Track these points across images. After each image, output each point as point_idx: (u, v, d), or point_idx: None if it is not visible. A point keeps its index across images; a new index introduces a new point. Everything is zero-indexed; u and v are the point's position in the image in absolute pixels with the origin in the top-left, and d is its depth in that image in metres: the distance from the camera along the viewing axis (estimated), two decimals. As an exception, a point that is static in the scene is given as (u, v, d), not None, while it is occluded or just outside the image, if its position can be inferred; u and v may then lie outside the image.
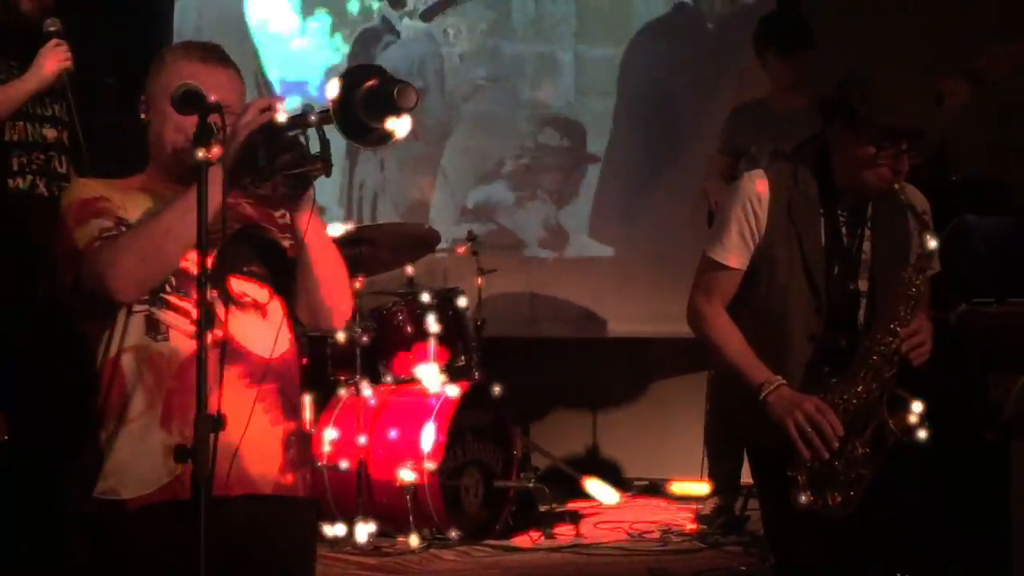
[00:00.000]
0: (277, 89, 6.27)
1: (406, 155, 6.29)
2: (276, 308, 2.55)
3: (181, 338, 2.44)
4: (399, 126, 2.22)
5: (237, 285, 2.50)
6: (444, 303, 5.08)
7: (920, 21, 5.41)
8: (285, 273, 2.54)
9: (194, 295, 2.42)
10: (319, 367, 5.09)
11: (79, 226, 2.42)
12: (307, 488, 2.60)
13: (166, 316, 2.44)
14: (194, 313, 2.41)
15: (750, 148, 5.02)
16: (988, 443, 3.25)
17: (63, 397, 3.52)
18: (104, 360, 2.47)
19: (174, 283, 2.44)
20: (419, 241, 5.18)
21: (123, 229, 2.42)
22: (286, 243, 2.58)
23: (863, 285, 3.08)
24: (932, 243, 2.98)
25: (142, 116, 2.58)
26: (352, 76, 2.23)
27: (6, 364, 3.78)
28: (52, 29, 3.83)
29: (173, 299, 2.45)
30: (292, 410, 2.56)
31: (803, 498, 2.93)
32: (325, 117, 2.24)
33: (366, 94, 2.21)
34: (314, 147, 2.31)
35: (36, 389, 3.72)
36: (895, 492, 2.99)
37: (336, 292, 2.56)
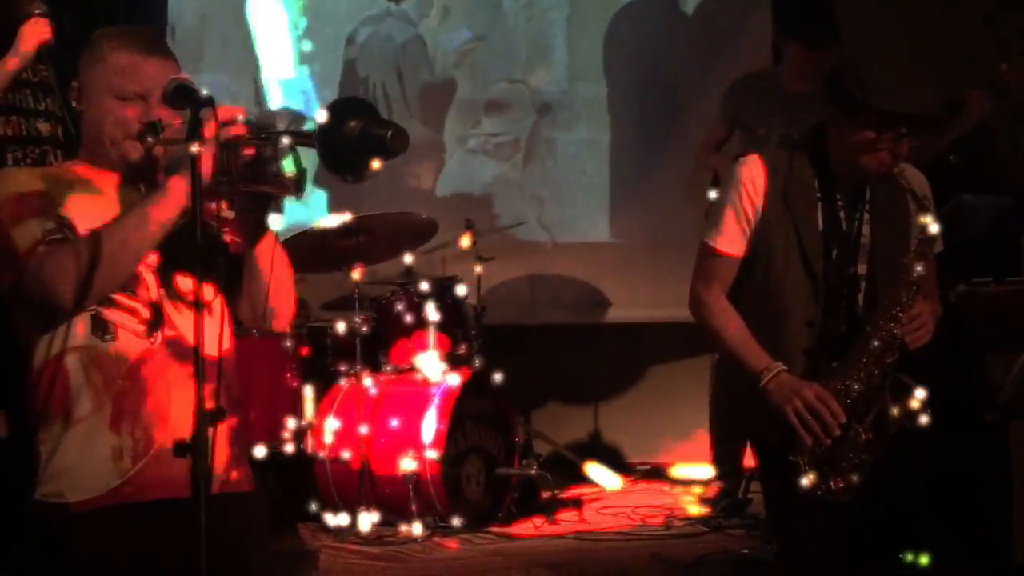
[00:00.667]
0: (273, 88, 6.24)
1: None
2: (218, 305, 2.51)
3: (130, 338, 2.40)
4: (376, 165, 2.24)
5: (182, 282, 2.47)
6: (443, 291, 5.08)
7: (945, 31, 5.39)
8: (226, 268, 2.48)
9: (141, 294, 2.41)
10: (319, 358, 5.09)
11: (16, 224, 2.34)
12: (251, 481, 2.57)
13: (113, 315, 2.40)
14: (143, 312, 2.41)
15: (758, 129, 4.98)
16: (987, 424, 3.25)
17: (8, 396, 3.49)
18: (45, 360, 2.40)
19: None
20: (417, 230, 5.17)
21: (66, 231, 2.36)
22: (227, 238, 2.51)
23: (862, 269, 3.07)
24: (933, 228, 2.97)
25: (74, 104, 2.53)
26: (342, 108, 2.23)
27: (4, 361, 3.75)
28: (37, 12, 3.81)
29: (121, 298, 2.40)
30: (234, 406, 2.53)
31: (805, 483, 2.94)
32: (302, 140, 2.23)
33: (355, 132, 2.21)
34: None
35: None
36: (896, 475, 2.99)
37: (281, 295, 2.53)
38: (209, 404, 2.11)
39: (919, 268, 2.96)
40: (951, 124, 4.51)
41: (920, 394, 2.91)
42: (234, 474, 2.51)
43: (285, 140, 2.26)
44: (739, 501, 4.90)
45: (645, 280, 5.93)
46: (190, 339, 2.34)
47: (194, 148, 2.18)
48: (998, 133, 4.83)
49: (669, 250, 5.88)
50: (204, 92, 2.25)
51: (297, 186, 2.29)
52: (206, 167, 2.22)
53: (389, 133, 2.20)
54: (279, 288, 2.51)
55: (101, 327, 2.39)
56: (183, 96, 2.27)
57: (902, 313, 2.95)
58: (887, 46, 3.20)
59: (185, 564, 2.20)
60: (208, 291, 2.43)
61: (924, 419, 2.91)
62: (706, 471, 5.24)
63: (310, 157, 2.28)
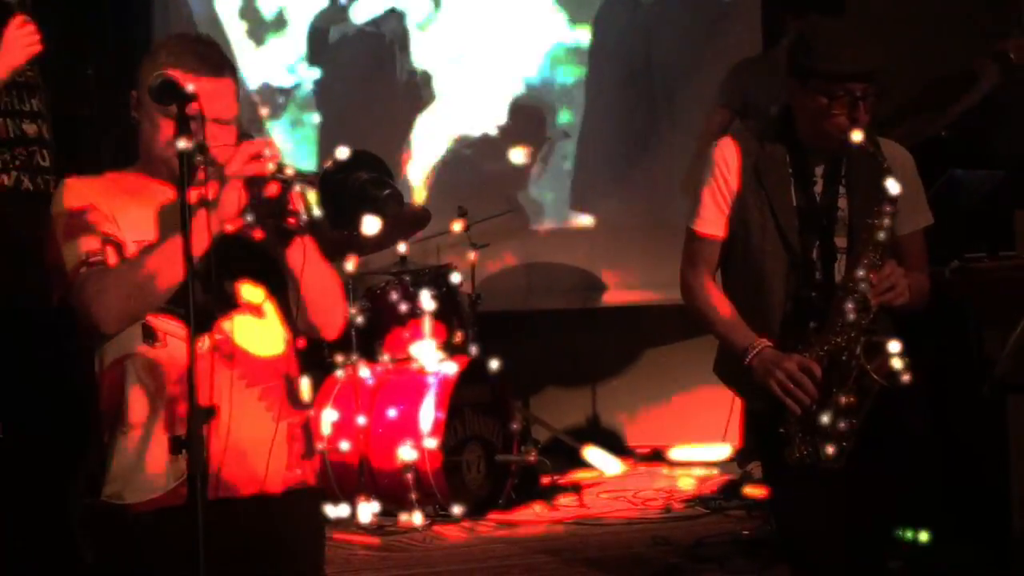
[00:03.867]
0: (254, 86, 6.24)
1: (392, 134, 6.26)
2: (271, 307, 2.57)
3: (178, 344, 2.45)
4: (371, 224, 2.31)
5: (227, 287, 2.52)
6: (438, 280, 5.07)
7: (952, 2, 5.38)
8: (278, 272, 2.54)
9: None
10: (315, 349, 5.01)
11: (66, 241, 2.44)
12: (315, 476, 2.65)
13: (161, 323, 2.46)
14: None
15: (769, 108, 4.95)
16: (984, 399, 3.25)
17: (60, 398, 3.52)
18: (103, 365, 2.49)
19: None
20: (411, 219, 5.16)
21: (109, 251, 2.43)
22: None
23: (841, 243, 3.09)
24: (894, 188, 2.98)
25: (133, 114, 2.56)
26: (354, 159, 2.30)
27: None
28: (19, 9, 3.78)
29: (168, 305, 2.44)
30: (295, 403, 2.60)
31: (796, 453, 2.95)
32: (310, 182, 2.30)
33: (358, 184, 2.28)
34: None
35: (29, 388, 3.70)
36: (893, 451, 2.99)
37: (326, 310, 2.60)
38: (203, 401, 2.17)
39: (883, 228, 2.97)
40: (963, 96, 4.53)
41: (895, 348, 2.91)
42: (298, 472, 2.58)
43: (289, 171, 2.33)
44: (735, 481, 4.90)
45: (640, 263, 5.92)
46: (239, 342, 2.49)
47: (181, 144, 2.20)
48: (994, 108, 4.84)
49: (663, 232, 5.86)
50: (189, 88, 2.26)
51: (312, 226, 2.38)
52: (239, 201, 2.32)
53: (385, 192, 2.28)
54: (324, 304, 2.58)
55: (150, 334, 2.46)
56: (167, 92, 2.28)
57: (868, 273, 2.96)
58: (841, 14, 3.27)
59: (247, 561, 2.37)
60: (257, 294, 2.54)
61: (906, 377, 2.91)
62: (705, 452, 5.25)
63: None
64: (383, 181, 2.31)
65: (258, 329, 2.53)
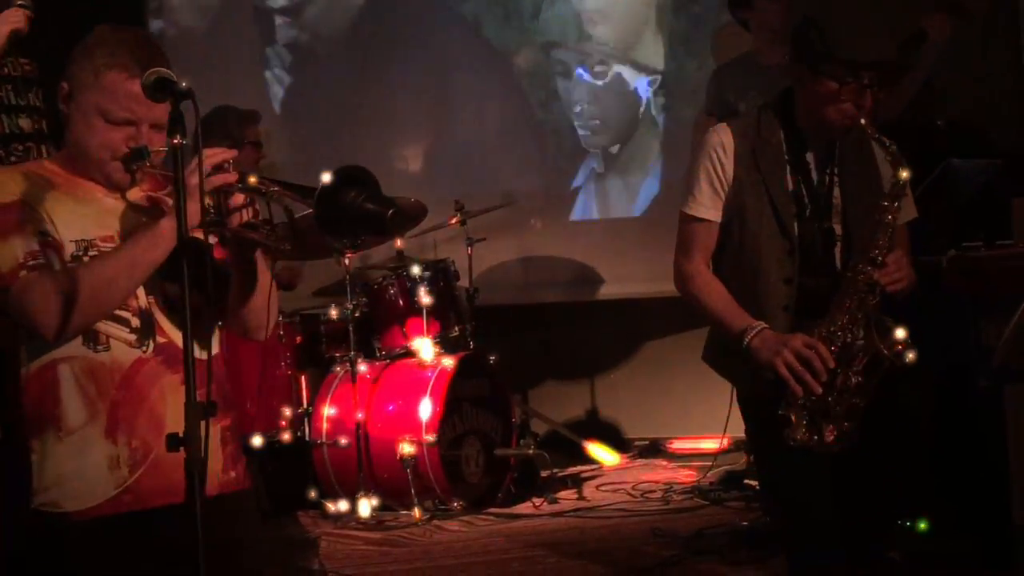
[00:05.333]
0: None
1: (391, 128, 6.26)
2: (208, 311, 2.50)
3: (122, 347, 2.39)
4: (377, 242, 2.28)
5: (170, 288, 2.45)
6: (435, 274, 5.07)
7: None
8: (214, 276, 2.47)
9: (130, 303, 2.40)
10: (313, 345, 5.09)
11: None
12: (247, 478, 2.59)
13: (104, 326, 2.38)
14: (133, 321, 2.40)
15: (738, 105, 4.98)
16: (982, 388, 3.25)
17: None
18: (34, 368, 2.39)
19: None
20: (407, 213, 5.15)
21: (50, 253, 2.33)
22: (217, 253, 2.53)
23: (837, 228, 3.09)
24: (904, 173, 2.99)
25: (61, 106, 2.47)
26: (346, 176, 2.27)
27: None
28: (19, 3, 3.78)
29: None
30: (227, 406, 2.53)
31: (798, 435, 2.93)
32: (300, 200, 2.28)
33: (359, 204, 2.24)
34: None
35: None
36: (892, 439, 2.99)
37: (262, 313, 2.54)
38: (200, 398, 2.09)
39: (894, 208, 2.97)
40: (917, 61, 4.45)
41: (900, 333, 2.92)
42: (231, 473, 2.52)
43: (253, 182, 2.30)
44: (736, 473, 4.90)
45: (637, 256, 5.91)
46: (179, 345, 2.34)
47: (175, 141, 2.18)
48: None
49: (659, 226, 5.87)
50: (183, 85, 2.24)
51: (288, 241, 2.32)
52: (192, 214, 2.18)
53: (390, 212, 2.24)
54: (261, 308, 2.53)
55: (92, 338, 2.38)
56: (162, 89, 2.25)
57: (881, 256, 2.96)
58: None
59: (187, 570, 2.22)
60: (196, 298, 2.45)
61: (911, 356, 2.91)
62: (705, 443, 5.25)
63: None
64: (383, 199, 2.26)
65: (194, 332, 2.48)
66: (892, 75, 3.09)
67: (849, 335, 2.96)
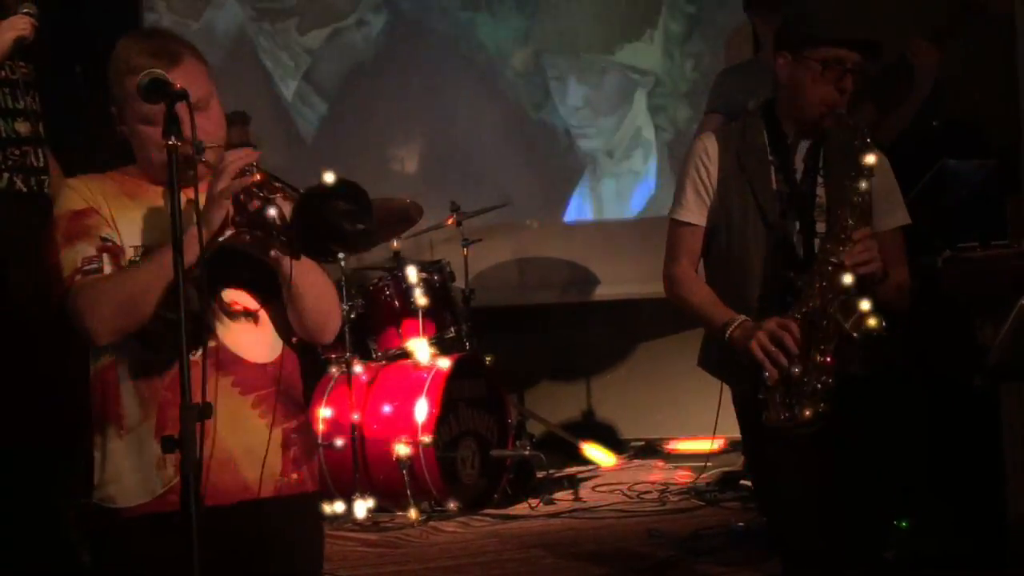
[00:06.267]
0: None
1: (388, 128, 6.26)
2: (266, 314, 2.54)
3: (172, 349, 2.39)
4: (337, 255, 2.34)
5: (228, 294, 2.50)
6: (431, 275, 5.07)
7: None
8: (272, 278, 2.50)
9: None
10: (308, 347, 5.07)
11: (66, 245, 2.42)
12: (314, 480, 2.62)
13: (157, 327, 2.40)
14: (185, 324, 2.42)
15: (748, 105, 4.98)
16: (977, 388, 3.26)
17: (50, 400, 3.51)
18: (96, 369, 2.48)
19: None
20: (403, 215, 5.16)
21: (105, 257, 2.41)
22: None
23: (820, 227, 3.12)
24: (870, 158, 3.00)
25: (120, 128, 2.51)
26: (338, 187, 2.28)
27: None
28: (26, 11, 3.79)
29: (162, 310, 2.39)
30: (293, 408, 2.58)
31: (774, 416, 2.96)
32: (291, 199, 2.29)
33: (334, 215, 2.26)
34: None
35: (18, 389, 3.69)
36: (882, 440, 3.00)
37: (322, 316, 2.55)
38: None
39: (861, 189, 2.99)
40: (907, 93, 4.38)
41: (864, 305, 2.93)
42: (294, 476, 2.55)
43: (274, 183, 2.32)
44: (732, 474, 4.90)
45: (631, 257, 5.92)
46: (233, 349, 2.46)
47: (171, 142, 2.19)
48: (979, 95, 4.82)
49: (653, 227, 5.87)
50: (178, 86, 2.25)
51: (294, 247, 2.32)
52: (226, 216, 2.30)
53: (357, 228, 2.27)
54: (319, 311, 2.53)
55: (146, 338, 2.42)
56: (156, 91, 2.26)
57: (847, 234, 2.98)
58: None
59: (237, 568, 2.35)
60: (253, 301, 2.51)
61: (872, 323, 2.92)
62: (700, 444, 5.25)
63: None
64: (359, 216, 2.28)
65: (252, 336, 2.50)
66: (873, 60, 3.12)
67: (821, 316, 2.98)
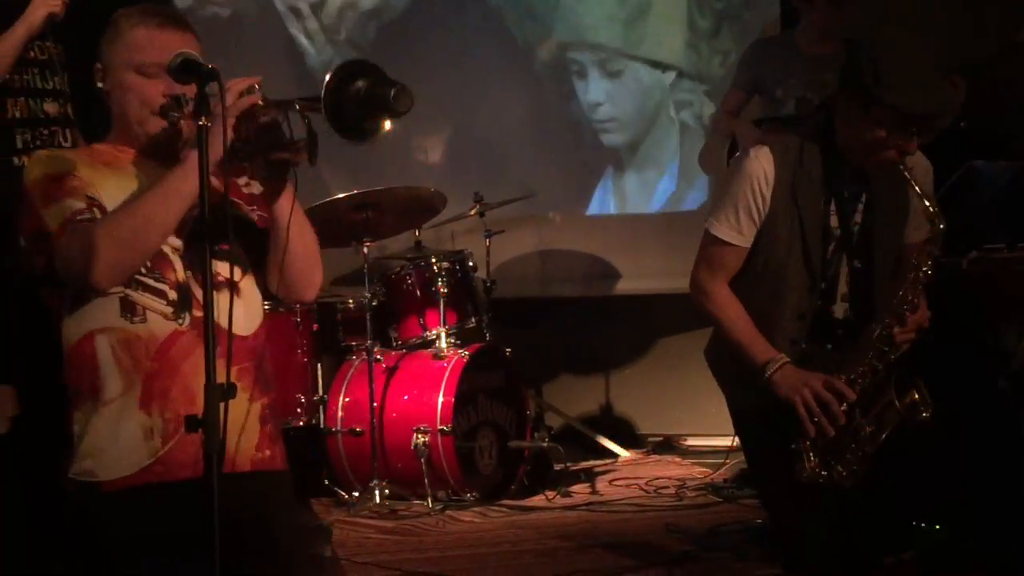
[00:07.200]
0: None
1: (412, 118, 6.24)
2: (249, 285, 2.54)
3: (158, 320, 2.41)
4: (387, 125, 2.25)
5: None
6: (452, 265, 5.07)
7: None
8: (255, 248, 2.50)
9: (168, 276, 2.43)
10: (330, 333, 5.10)
11: (48, 206, 2.37)
12: (283, 459, 2.60)
13: (141, 298, 2.41)
14: (170, 294, 2.42)
15: (776, 90, 4.96)
16: (1001, 390, 3.25)
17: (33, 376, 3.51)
18: (76, 340, 2.43)
19: (148, 264, 2.41)
20: (426, 204, 5.16)
21: (95, 211, 2.38)
22: (254, 216, 2.56)
23: (860, 263, 3.08)
24: (941, 226, 2.96)
25: (99, 85, 2.53)
26: (347, 70, 2.22)
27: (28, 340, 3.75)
28: None
29: (148, 280, 2.41)
30: (267, 384, 2.55)
31: (807, 471, 2.95)
32: (312, 106, 2.23)
33: (361, 92, 2.21)
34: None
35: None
36: (902, 442, 3.00)
37: (310, 266, 2.54)
38: (220, 379, 2.11)
39: (927, 267, 2.95)
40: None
41: (917, 393, 2.93)
42: (267, 452, 2.53)
43: (297, 105, 2.25)
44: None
45: (654, 252, 5.92)
46: (219, 320, 2.35)
47: (202, 122, 2.19)
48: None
49: (676, 222, 5.88)
50: (209, 65, 2.25)
51: (311, 150, 2.28)
52: (227, 136, 2.23)
53: (392, 92, 2.19)
54: (308, 260, 2.52)
55: (130, 309, 2.40)
56: (189, 70, 2.27)
57: (909, 313, 2.96)
58: (905, 39, 3.12)
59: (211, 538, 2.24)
60: (236, 271, 2.46)
61: (925, 415, 2.92)
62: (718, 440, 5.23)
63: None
64: (388, 81, 2.23)
65: (236, 307, 2.42)
66: (943, 126, 3.04)
67: (868, 383, 2.96)
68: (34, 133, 3.82)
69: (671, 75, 6.10)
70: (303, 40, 6.35)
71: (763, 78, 5.02)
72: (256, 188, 2.48)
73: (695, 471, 5.24)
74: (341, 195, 4.80)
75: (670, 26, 6.10)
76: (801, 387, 2.93)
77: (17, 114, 3.82)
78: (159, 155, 2.48)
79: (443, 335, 4.94)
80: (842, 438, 2.94)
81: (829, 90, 3.19)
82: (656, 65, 6.12)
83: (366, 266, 4.90)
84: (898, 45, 2.99)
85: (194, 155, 2.24)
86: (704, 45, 6.06)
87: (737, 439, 4.61)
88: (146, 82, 2.45)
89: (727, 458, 5.06)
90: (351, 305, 5.09)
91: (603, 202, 6.22)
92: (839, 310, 3.08)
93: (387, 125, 2.25)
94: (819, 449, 2.95)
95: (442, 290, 4.96)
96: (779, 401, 2.97)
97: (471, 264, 5.16)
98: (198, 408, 2.25)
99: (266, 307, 2.61)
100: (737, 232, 3.10)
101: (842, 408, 2.92)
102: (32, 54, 3.84)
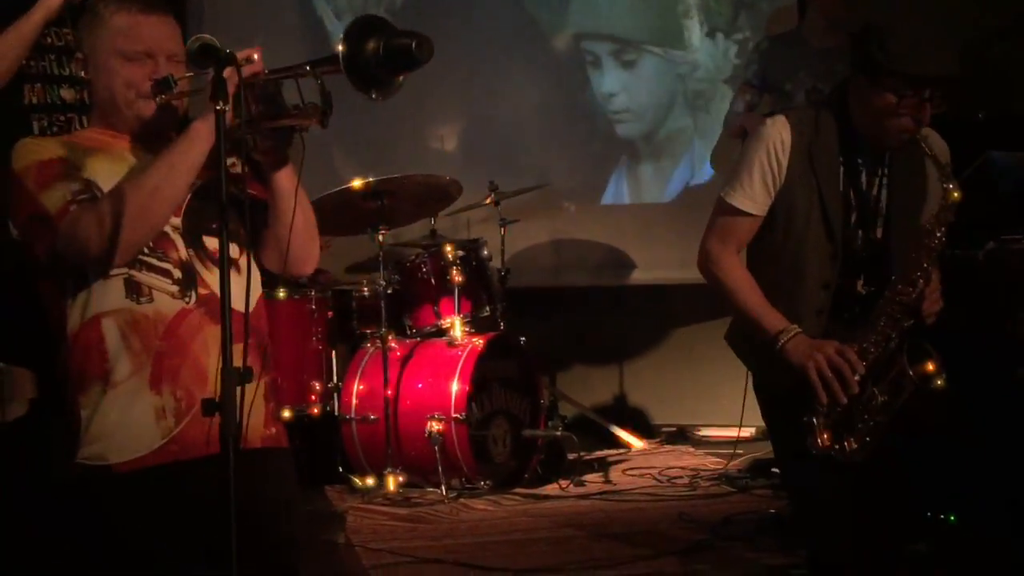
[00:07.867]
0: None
1: (428, 106, 6.25)
2: (246, 262, 2.53)
3: (165, 299, 2.41)
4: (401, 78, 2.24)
5: (209, 242, 2.47)
6: (468, 254, 5.07)
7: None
8: (250, 226, 2.49)
9: (171, 255, 2.43)
10: (344, 321, 5.11)
11: (44, 190, 2.35)
12: (285, 437, 2.60)
13: (146, 278, 2.41)
14: (175, 273, 2.42)
15: (784, 84, 4.95)
16: (1018, 380, 3.24)
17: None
18: (79, 325, 2.41)
19: (151, 244, 2.41)
20: (441, 192, 5.16)
21: (95, 191, 2.37)
22: (251, 190, 2.51)
23: (879, 233, 3.06)
24: (956, 194, 2.94)
25: (83, 74, 2.53)
26: (361, 26, 2.20)
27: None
28: None
29: (152, 260, 2.41)
30: (269, 362, 2.56)
31: (819, 442, 2.94)
32: (327, 67, 2.21)
33: (382, 47, 2.19)
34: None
35: None
36: (919, 436, 2.98)
37: (308, 239, 2.54)
38: (237, 363, 2.11)
39: (939, 234, 2.94)
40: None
41: (931, 363, 2.91)
42: (272, 429, 2.53)
43: (308, 68, 2.25)
44: (764, 461, 4.89)
45: (668, 242, 5.91)
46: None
47: (218, 108, 2.19)
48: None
49: (690, 212, 5.85)
50: (227, 51, 2.26)
51: (322, 113, 2.28)
52: (229, 115, 2.22)
53: (413, 43, 2.18)
54: (306, 233, 2.52)
55: (135, 290, 2.40)
56: (207, 55, 2.27)
57: (922, 279, 2.94)
58: (911, 8, 3.11)
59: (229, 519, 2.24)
60: (233, 249, 2.46)
61: (939, 382, 2.90)
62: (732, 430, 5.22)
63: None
64: (403, 33, 2.20)
65: (234, 285, 2.47)
66: (954, 90, 3.02)
67: (880, 354, 2.95)
68: (50, 119, 3.84)
69: (687, 65, 6.08)
70: (332, 19, 6.34)
71: (772, 72, 5.02)
72: (259, 157, 2.46)
73: (709, 461, 5.24)
74: (357, 182, 4.80)
75: (686, 15, 6.09)
76: (813, 353, 2.92)
77: (34, 100, 3.84)
78: (152, 137, 2.48)
79: (457, 323, 4.94)
80: (854, 409, 2.93)
81: (839, 79, 3.17)
82: (671, 55, 6.10)
83: (381, 254, 4.91)
84: (906, 20, 2.98)
85: (197, 127, 2.26)
86: (720, 34, 6.04)
87: (746, 430, 4.70)
88: (131, 66, 2.44)
89: (736, 448, 5.05)
90: (366, 293, 5.09)
91: (618, 192, 6.21)
92: (860, 285, 3.06)
93: (400, 79, 2.24)
94: (831, 421, 2.94)
95: (457, 278, 4.96)
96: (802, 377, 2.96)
97: (486, 253, 5.16)
98: (209, 386, 2.26)
99: (281, 294, 2.62)
100: (751, 200, 3.07)
101: (855, 378, 2.90)
102: (49, 40, 3.85)
